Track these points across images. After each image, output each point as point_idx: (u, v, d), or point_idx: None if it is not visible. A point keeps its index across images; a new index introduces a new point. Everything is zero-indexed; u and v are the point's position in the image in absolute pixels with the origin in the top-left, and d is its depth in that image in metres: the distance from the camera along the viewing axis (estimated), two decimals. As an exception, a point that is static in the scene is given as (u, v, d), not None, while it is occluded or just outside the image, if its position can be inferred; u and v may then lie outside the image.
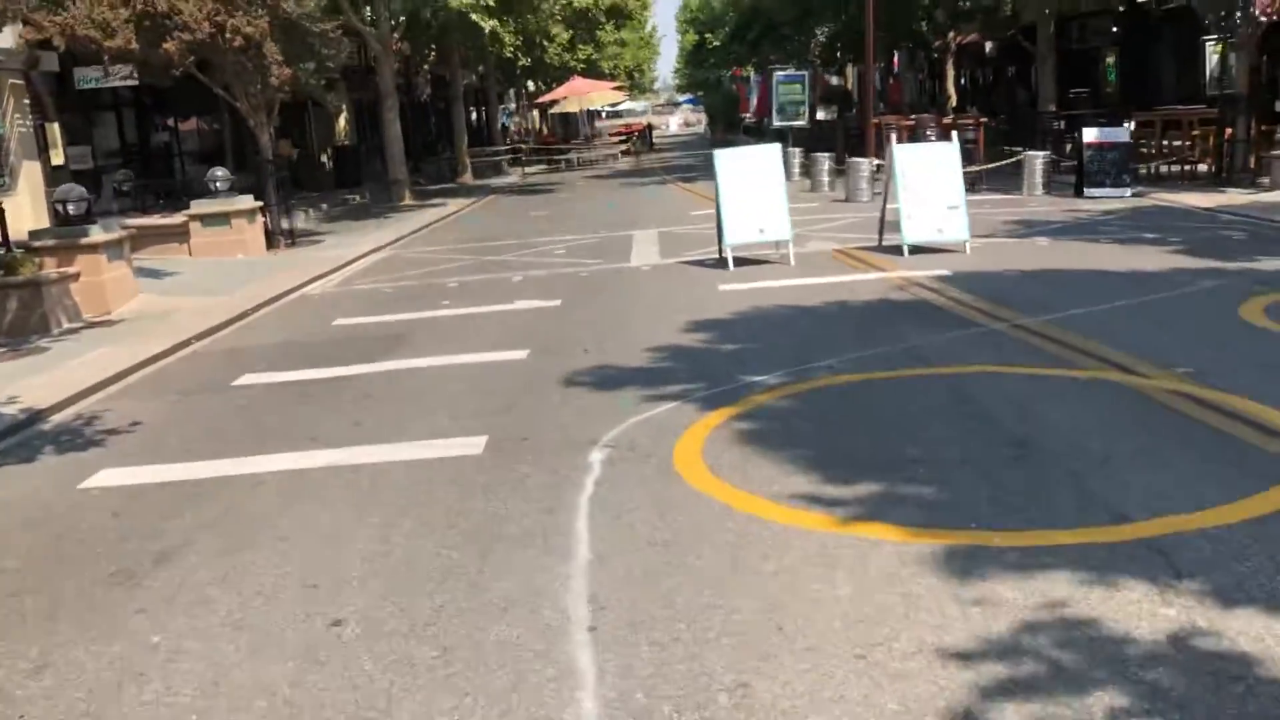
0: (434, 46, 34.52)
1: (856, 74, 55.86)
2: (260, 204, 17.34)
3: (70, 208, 12.44)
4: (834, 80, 50.80)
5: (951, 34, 36.47)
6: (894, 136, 12.89)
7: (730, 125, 48.62)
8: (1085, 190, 17.88)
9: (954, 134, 12.81)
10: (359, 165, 32.54)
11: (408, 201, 26.60)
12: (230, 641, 3.94)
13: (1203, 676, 3.20)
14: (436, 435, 6.47)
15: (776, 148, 12.63)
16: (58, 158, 22.05)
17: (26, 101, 20.76)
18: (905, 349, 7.70)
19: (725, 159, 12.47)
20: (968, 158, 15.47)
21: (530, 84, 55.73)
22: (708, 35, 62.68)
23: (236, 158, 25.01)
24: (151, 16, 15.48)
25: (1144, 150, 20.66)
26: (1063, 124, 25.77)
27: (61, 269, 11.94)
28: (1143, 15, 30.46)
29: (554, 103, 47.11)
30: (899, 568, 4.07)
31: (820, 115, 38.34)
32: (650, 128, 54.96)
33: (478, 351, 8.78)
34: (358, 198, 28.13)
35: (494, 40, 32.57)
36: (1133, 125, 19.72)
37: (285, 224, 18.59)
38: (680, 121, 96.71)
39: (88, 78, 22.11)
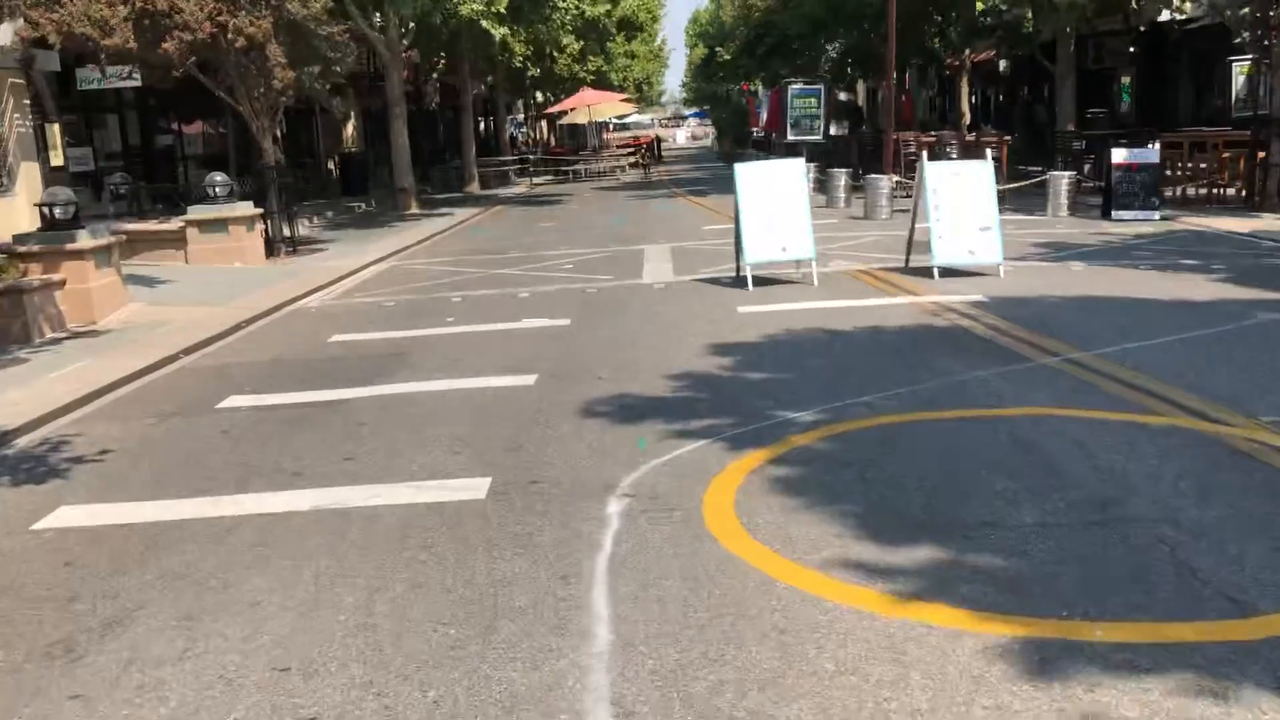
0: (444, 55, 34.01)
1: (867, 90, 55.60)
2: (260, 211, 16.74)
3: (57, 211, 11.83)
4: (842, 96, 50.29)
5: (967, 51, 35.97)
6: (924, 153, 12.25)
7: (739, 139, 48.05)
8: (1113, 212, 17.26)
9: (988, 152, 12.17)
10: (365, 173, 32.00)
11: (414, 210, 26.01)
12: (181, 741, 3.28)
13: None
14: (435, 474, 5.81)
15: (800, 162, 12.01)
16: (58, 159, 21.49)
17: (26, 101, 20.18)
18: (949, 384, 7.04)
19: (746, 173, 11.84)
20: (994, 177, 14.83)
21: (539, 95, 55.31)
22: (718, 49, 62.27)
23: (240, 162, 24.43)
24: (150, 15, 14.90)
25: (1169, 173, 20.03)
26: (1083, 144, 25.16)
27: (46, 275, 11.32)
28: (1160, 36, 29.92)
29: (563, 113, 46.62)
30: (984, 667, 3.41)
31: (832, 131, 37.80)
32: (659, 140, 54.42)
33: (482, 375, 8.13)
34: (363, 206, 27.56)
35: (504, 49, 32.06)
36: (1157, 146, 19.10)
37: (286, 231, 17.98)
38: (687, 135, 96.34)
39: (90, 78, 21.57)
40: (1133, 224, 16.57)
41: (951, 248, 11.54)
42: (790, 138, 26.20)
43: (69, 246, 11.54)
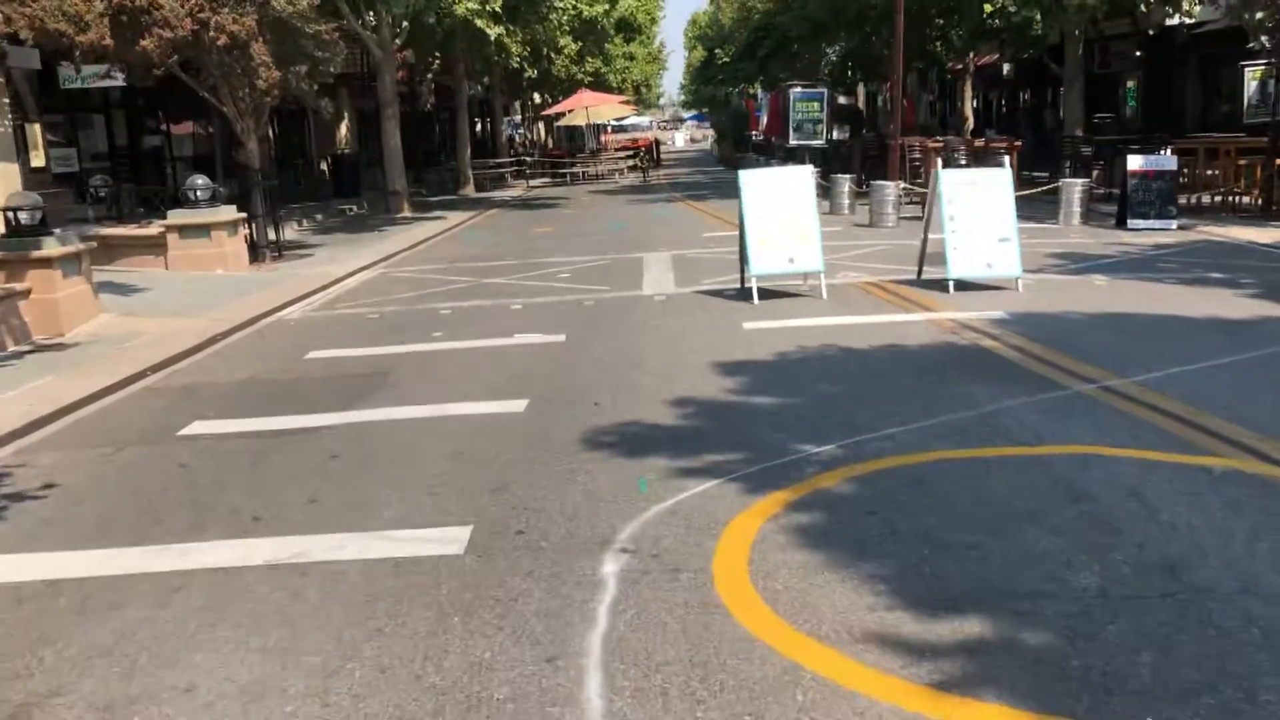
0: (438, 55, 33.39)
1: (866, 94, 55.04)
2: (244, 215, 16.10)
3: (23, 216, 11.20)
4: (842, 100, 49.78)
5: (970, 55, 35.39)
6: (939, 160, 11.65)
7: (739, 143, 47.47)
8: (1129, 221, 16.68)
9: (1005, 159, 11.56)
10: (358, 175, 31.34)
11: (406, 214, 25.38)
12: None
13: None
14: (409, 521, 5.18)
15: (808, 169, 11.39)
16: (38, 159, 20.87)
17: (5, 100, 19.54)
18: (978, 416, 6.42)
19: (751, 180, 11.22)
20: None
21: (536, 96, 54.70)
22: (717, 51, 61.71)
23: (227, 164, 23.78)
24: (128, 11, 14.25)
25: (1182, 180, 19.45)
26: (1091, 150, 24.59)
27: (9, 285, 10.69)
28: (1167, 40, 29.39)
29: (560, 115, 46.01)
30: (1063, 798, 2.79)
31: (832, 135, 37.25)
32: (657, 143, 53.82)
33: (469, 400, 7.50)
34: (354, 208, 26.94)
35: (500, 49, 31.43)
36: (1169, 153, 18.53)
37: (272, 236, 17.34)
38: (685, 137, 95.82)
39: (73, 76, 20.95)
40: (1149, 233, 15.99)
41: (968, 260, 10.94)
42: (792, 142, 25.61)
43: (34, 254, 10.91)
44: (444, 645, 3.86)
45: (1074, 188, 17.83)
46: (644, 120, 78.51)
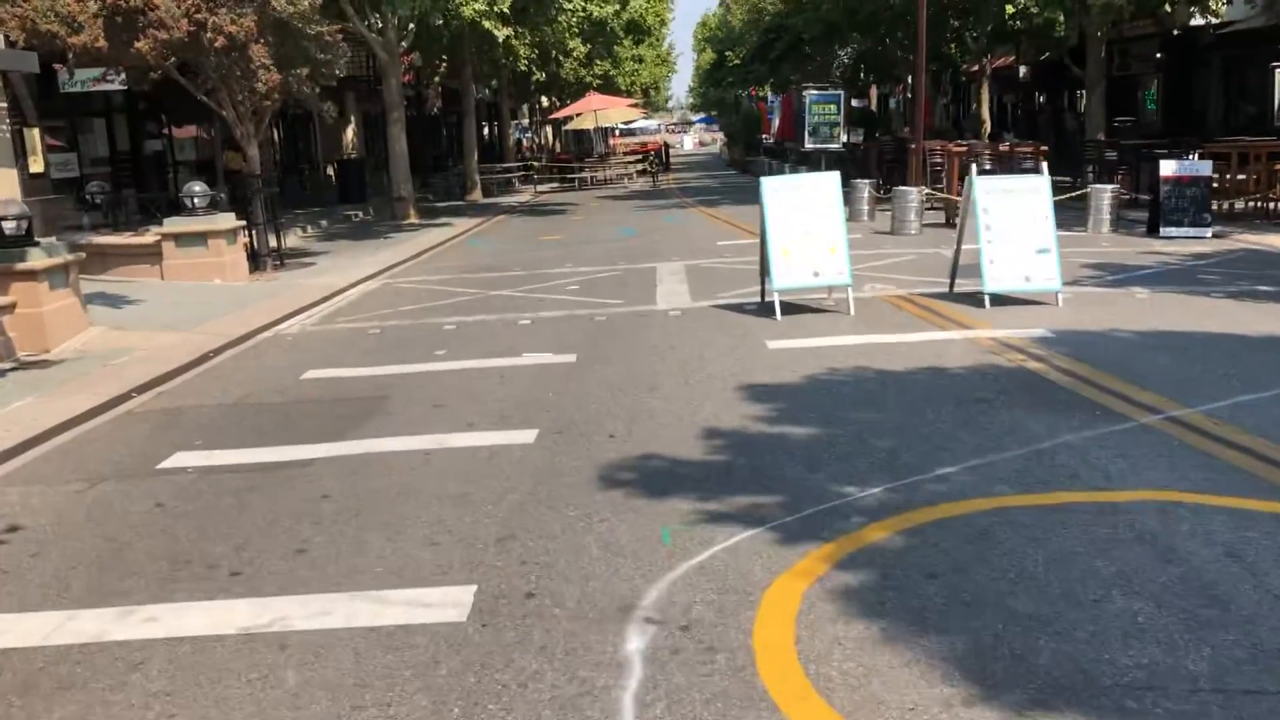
0: (445, 58, 32.88)
1: (879, 97, 54.41)
2: (243, 223, 15.55)
3: (7, 226, 10.64)
4: (854, 102, 49.18)
5: (987, 57, 34.77)
6: (973, 167, 11.01)
7: (750, 146, 46.83)
8: (1161, 229, 16.04)
9: (1043, 165, 10.93)
10: (363, 180, 30.83)
11: (412, 220, 24.84)
12: None
13: None
14: (405, 578, 4.59)
15: (834, 176, 10.76)
16: (37, 165, 20.36)
17: (3, 104, 19.09)
18: (1036, 453, 5.80)
19: (774, 188, 10.61)
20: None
21: (544, 99, 54.19)
22: (727, 54, 61.15)
23: (229, 170, 23.28)
24: (123, 11, 13.74)
25: (1214, 185, 18.77)
26: (1116, 155, 23.93)
27: (-9, 299, 10.17)
28: (1189, 41, 28.74)
29: (568, 119, 45.49)
30: None
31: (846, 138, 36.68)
32: (667, 147, 53.24)
33: (473, 429, 6.91)
34: (360, 214, 26.40)
35: (508, 52, 30.91)
36: (1196, 157, 17.88)
37: (274, 244, 16.80)
38: (695, 141, 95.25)
39: (73, 80, 20.48)
40: (1183, 242, 15.35)
41: (1004, 273, 10.31)
42: (808, 145, 25.00)
43: (19, 266, 10.37)
44: (441, 749, 3.27)
45: (1103, 194, 17.18)
46: (652, 124, 77.97)
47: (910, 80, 45.13)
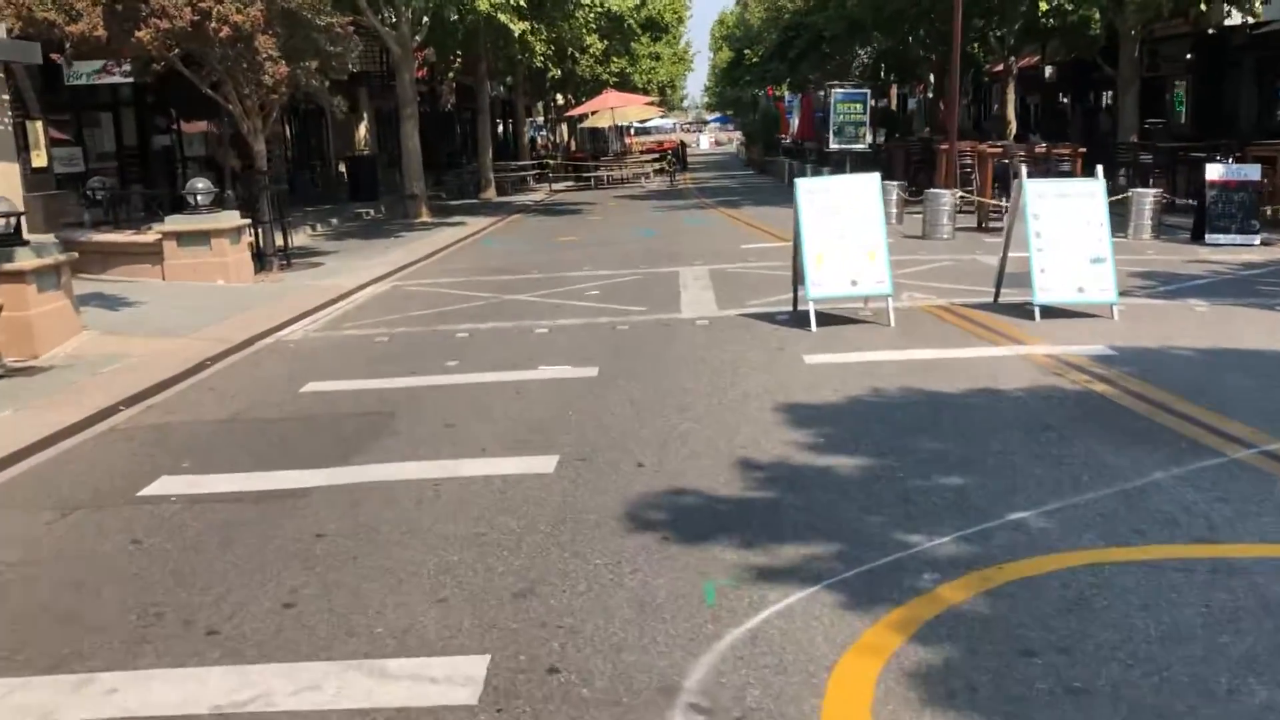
0: (460, 53, 32.27)
1: (899, 97, 53.57)
2: (247, 222, 14.94)
3: (-6, 224, 10.07)
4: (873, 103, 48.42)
5: (1012, 57, 33.96)
6: (1024, 169, 10.31)
7: (769, 146, 46.11)
8: (1207, 236, 15.31)
9: (1098, 168, 10.23)
10: (376, 177, 30.26)
11: (424, 218, 24.23)
12: None
13: None
14: (408, 643, 3.95)
15: (875, 177, 10.08)
16: (40, 159, 19.83)
17: (5, 97, 18.55)
18: (1123, 495, 5.12)
19: (809, 189, 9.93)
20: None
21: (560, 97, 53.58)
22: (746, 52, 60.39)
23: (237, 166, 22.71)
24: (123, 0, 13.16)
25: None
26: (1151, 157, 23.16)
27: (-24, 301, 9.58)
28: (1221, 41, 27.91)
29: (583, 117, 44.87)
30: None
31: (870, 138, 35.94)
32: (684, 145, 52.56)
33: (486, 455, 6.27)
34: (371, 212, 25.83)
35: (523, 48, 30.30)
36: (1232, 161, 17.13)
37: (280, 242, 16.20)
38: (710, 140, 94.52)
39: (78, 72, 19.96)
40: (1231, 250, 14.62)
41: (1056, 283, 9.62)
42: (833, 146, 24.28)
43: (5, 267, 9.76)
44: None
45: (1145, 198, 16.45)
46: (667, 123, 77.34)
47: (932, 80, 44.42)
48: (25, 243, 10.14)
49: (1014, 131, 34.71)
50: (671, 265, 14.70)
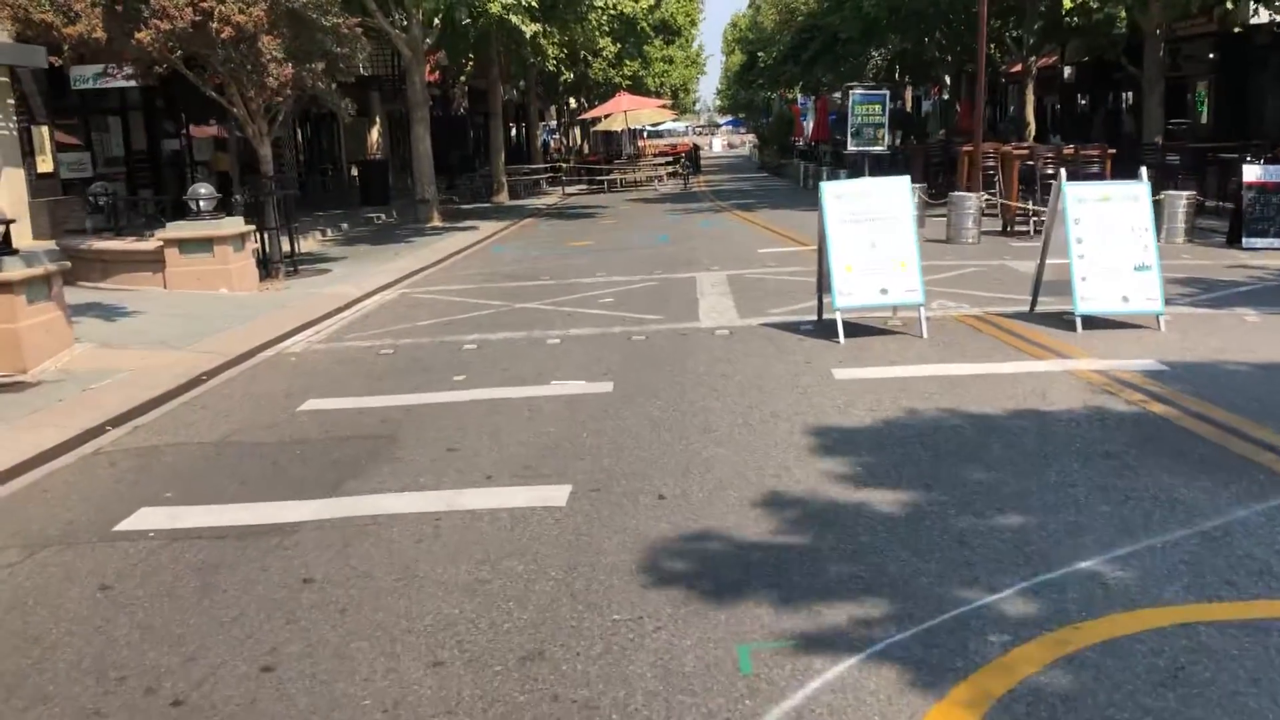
0: (472, 56, 31.85)
1: (913, 99, 52.90)
2: (251, 228, 14.49)
3: (-18, 234, 9.62)
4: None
5: (1033, 57, 33.37)
6: (1063, 171, 9.74)
7: (784, 149, 45.55)
8: (1244, 239, 14.71)
9: (1142, 170, 9.67)
10: (387, 181, 29.84)
11: (436, 223, 23.79)
12: None
13: None
14: (400, 721, 3.44)
15: (905, 181, 9.55)
16: (46, 164, 19.48)
17: (10, 101, 18.18)
18: (1204, 536, 4.57)
19: (836, 194, 9.38)
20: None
21: (572, 100, 53.17)
22: (759, 54, 59.85)
23: (244, 171, 22.34)
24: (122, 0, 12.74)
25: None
26: (1178, 159, 22.54)
27: (-39, 314, 9.14)
28: (1244, 40, 27.22)
29: (596, 120, 44.43)
30: None
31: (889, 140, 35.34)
32: (697, 148, 52.04)
33: (492, 483, 5.76)
34: (382, 217, 25.40)
35: (536, 50, 29.85)
36: (1264, 162, 16.52)
37: (287, 248, 15.75)
38: (724, 143, 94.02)
39: (84, 76, 19.58)
40: (1270, 254, 14.06)
41: (1099, 291, 9.05)
42: (851, 148, 23.70)
43: (-8, 278, 9.33)
44: None
45: (1178, 201, 15.84)
46: (680, 126, 76.87)
47: (948, 81, 43.79)
48: (14, 252, 9.68)
49: (1033, 133, 34.11)
50: (688, 271, 14.18)
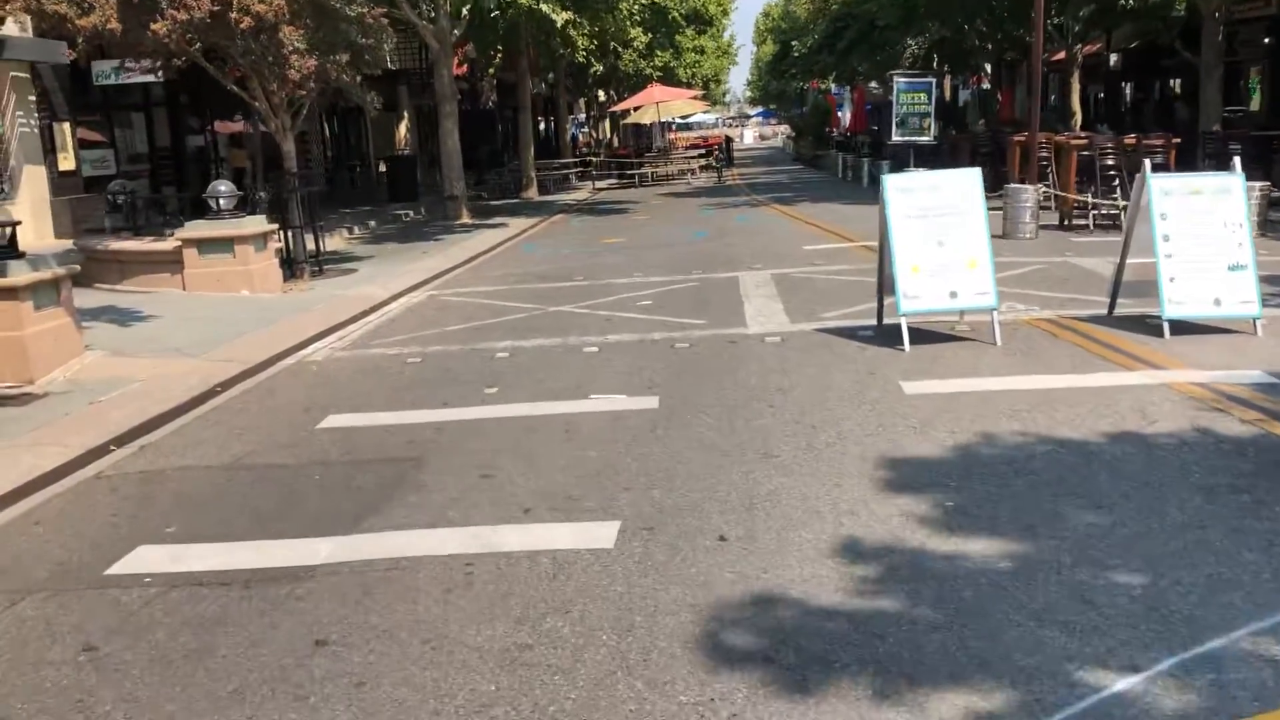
0: (500, 48, 31.24)
1: (951, 88, 51.72)
2: (274, 227, 13.95)
3: (-12, 236, 9.10)
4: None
5: (1079, 44, 32.25)
6: (1147, 162, 8.95)
7: (819, 140, 44.60)
8: (1323, 233, 13.80)
9: (1235, 161, 8.86)
10: (415, 177, 29.33)
11: (465, 220, 23.22)
12: None
13: None
14: None
15: (976, 173, 8.79)
16: (68, 162, 19.10)
17: (32, 98, 17.79)
18: (1379, 595, 3.83)
19: (900, 188, 8.63)
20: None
21: (602, 93, 52.48)
22: (794, 43, 58.85)
23: (268, 167, 21.86)
24: (139, -11, 12.22)
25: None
26: (1239, 147, 21.48)
27: (-35, 321, 8.63)
28: (1299, 22, 26.05)
29: (626, 113, 43.73)
30: None
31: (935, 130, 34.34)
32: (729, 140, 51.21)
33: (529, 519, 5.12)
34: (411, 214, 24.87)
35: (565, 41, 29.18)
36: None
37: (311, 247, 15.21)
38: (755, 135, 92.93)
39: (105, 72, 19.18)
40: (1353, 248, 13.11)
41: (1189, 293, 8.25)
42: (895, 138, 22.85)
43: (-2, 283, 8.81)
44: None
45: (1251, 192, 14.85)
46: (710, 118, 75.91)
47: (988, 70, 42.64)
48: (20, 255, 9.16)
49: (1079, 122, 32.99)
50: (729, 270, 13.47)
